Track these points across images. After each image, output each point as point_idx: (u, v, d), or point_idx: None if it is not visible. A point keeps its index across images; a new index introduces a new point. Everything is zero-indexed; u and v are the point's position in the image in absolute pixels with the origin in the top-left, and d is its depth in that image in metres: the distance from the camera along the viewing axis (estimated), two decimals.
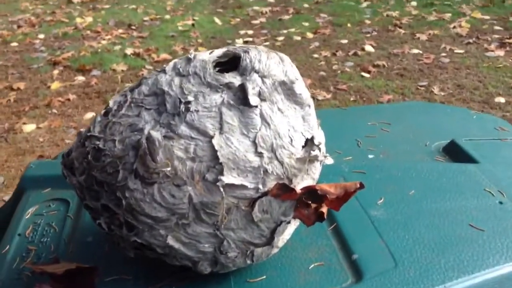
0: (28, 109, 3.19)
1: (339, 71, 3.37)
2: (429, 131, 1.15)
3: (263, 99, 0.68)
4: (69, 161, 0.71)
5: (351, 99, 2.99)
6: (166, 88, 0.69)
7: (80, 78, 3.57)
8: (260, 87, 0.68)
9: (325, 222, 0.84)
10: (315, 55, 3.65)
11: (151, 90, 0.71)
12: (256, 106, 0.67)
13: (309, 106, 0.73)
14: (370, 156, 1.06)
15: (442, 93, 2.97)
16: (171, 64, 0.74)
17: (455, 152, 1.04)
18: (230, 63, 0.74)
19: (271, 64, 0.71)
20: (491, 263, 0.73)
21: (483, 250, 0.76)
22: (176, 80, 0.70)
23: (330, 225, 0.84)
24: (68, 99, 3.28)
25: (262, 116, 0.67)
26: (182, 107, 0.67)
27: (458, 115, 1.24)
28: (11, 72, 3.75)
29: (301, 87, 0.72)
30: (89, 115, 3.07)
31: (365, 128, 1.17)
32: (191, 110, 0.66)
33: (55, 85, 3.48)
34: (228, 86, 0.68)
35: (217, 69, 0.72)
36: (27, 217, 0.94)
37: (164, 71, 0.73)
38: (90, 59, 3.86)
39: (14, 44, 4.34)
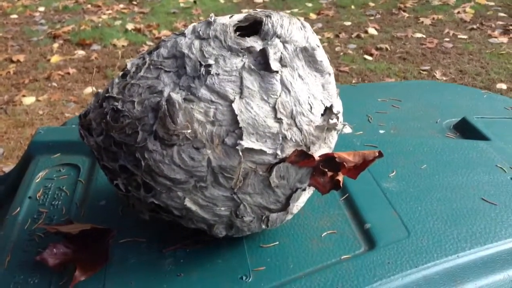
0: (28, 81, 3.17)
1: (341, 53, 3.35)
2: (439, 109, 1.15)
3: (284, 65, 0.68)
4: (87, 122, 0.70)
5: (353, 81, 2.99)
6: (186, 51, 0.69)
7: (80, 52, 3.54)
8: (281, 53, 0.68)
9: (337, 193, 0.85)
10: (318, 37, 3.63)
11: (170, 52, 0.70)
12: (277, 72, 0.67)
13: (329, 74, 0.73)
14: (381, 132, 1.06)
15: (444, 78, 2.97)
16: (190, 27, 0.73)
17: (466, 129, 1.04)
18: (251, 28, 0.73)
19: (293, 30, 0.70)
20: (503, 235, 0.74)
21: (495, 223, 0.77)
22: (196, 43, 0.69)
23: (342, 196, 0.84)
24: (68, 73, 3.25)
25: (282, 82, 0.67)
26: (203, 70, 0.66)
27: (469, 95, 1.24)
28: (11, 44, 3.71)
29: (322, 55, 0.72)
30: (89, 89, 3.05)
31: (375, 105, 1.17)
32: (211, 73, 0.66)
33: (55, 59, 3.44)
34: (249, 50, 0.68)
35: (237, 33, 0.71)
36: (37, 181, 0.94)
37: (183, 34, 0.72)
38: (90, 33, 3.82)
39: (14, 16, 4.29)
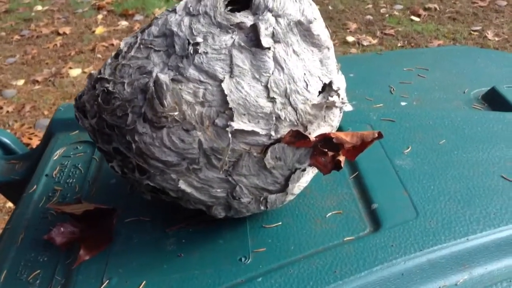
0: (74, 53, 3.25)
1: (387, 15, 3.20)
2: (469, 78, 1.07)
3: (276, 41, 0.64)
4: (81, 104, 0.71)
5: (399, 44, 2.85)
6: (175, 29, 0.66)
7: (124, 23, 3.59)
8: (273, 28, 0.64)
9: (347, 171, 0.81)
10: None
11: (160, 31, 0.68)
12: (269, 48, 0.63)
13: (328, 48, 0.68)
14: (403, 104, 1.00)
15: (497, 39, 2.78)
16: (182, 3, 0.71)
17: (495, 100, 0.96)
18: (243, 2, 0.70)
19: (287, 2, 0.66)
20: None
21: None
22: (186, 20, 0.67)
23: (351, 174, 0.81)
24: (112, 44, 3.31)
25: (275, 59, 0.64)
26: (191, 48, 0.64)
27: (502, 61, 1.14)
28: (57, 16, 3.81)
29: (319, 28, 0.67)
30: None
31: (400, 74, 1.11)
32: (199, 52, 0.63)
33: (99, 30, 3.51)
34: (240, 26, 0.64)
35: (228, 8, 0.68)
36: (54, 158, 0.97)
37: (174, 10, 0.70)
38: (133, 3, 3.85)
39: None
